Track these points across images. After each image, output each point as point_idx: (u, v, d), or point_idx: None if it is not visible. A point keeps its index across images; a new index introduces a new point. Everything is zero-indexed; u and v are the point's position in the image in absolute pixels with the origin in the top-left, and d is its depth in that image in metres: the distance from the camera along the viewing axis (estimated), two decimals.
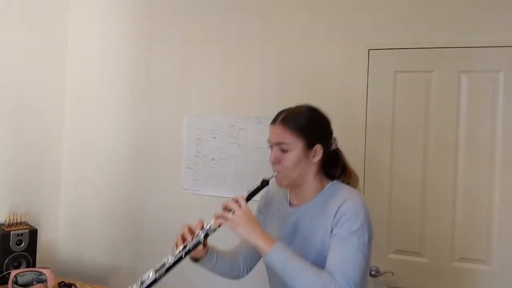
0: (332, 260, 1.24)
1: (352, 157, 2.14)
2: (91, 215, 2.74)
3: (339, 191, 1.35)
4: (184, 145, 2.51)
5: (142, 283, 1.27)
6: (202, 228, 1.32)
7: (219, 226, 1.29)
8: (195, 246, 1.30)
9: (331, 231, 1.28)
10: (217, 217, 1.28)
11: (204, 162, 2.46)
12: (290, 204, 1.44)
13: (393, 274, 2.09)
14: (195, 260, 1.41)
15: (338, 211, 1.28)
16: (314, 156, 1.35)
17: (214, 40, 2.45)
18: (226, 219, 1.26)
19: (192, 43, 2.51)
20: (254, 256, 1.53)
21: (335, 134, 2.20)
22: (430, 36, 2.06)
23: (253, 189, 1.36)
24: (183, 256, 1.29)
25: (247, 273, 1.56)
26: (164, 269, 1.28)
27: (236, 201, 1.28)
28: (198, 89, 2.49)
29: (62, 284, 2.24)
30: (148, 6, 2.63)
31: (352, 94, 2.17)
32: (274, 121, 1.38)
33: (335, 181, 1.40)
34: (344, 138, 2.15)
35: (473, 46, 2.00)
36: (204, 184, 2.45)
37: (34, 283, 2.13)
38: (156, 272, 1.27)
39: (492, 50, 1.97)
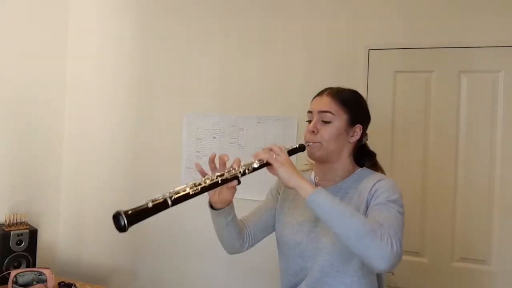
0: (374, 218, 1.17)
1: None
2: (91, 215, 2.74)
3: (371, 175, 1.34)
4: (184, 145, 2.51)
5: (176, 192, 1.17)
6: (239, 165, 1.23)
7: (260, 166, 1.21)
8: (232, 178, 1.21)
9: (367, 207, 1.24)
10: (259, 156, 1.21)
11: (204, 162, 2.44)
12: (316, 185, 1.37)
13: (393, 274, 2.08)
14: (214, 208, 1.34)
15: (374, 187, 1.26)
16: (352, 136, 1.35)
17: (214, 40, 2.45)
18: (271, 158, 1.19)
19: (192, 43, 2.51)
20: (261, 233, 1.48)
21: None
22: (430, 36, 2.06)
23: (290, 148, 1.30)
24: (219, 182, 1.19)
25: (248, 247, 1.47)
26: (200, 188, 1.17)
27: (279, 146, 1.23)
28: (198, 89, 2.49)
29: (62, 284, 2.24)
30: (148, 6, 2.63)
31: None
32: (321, 93, 1.38)
33: (364, 168, 1.40)
34: None
35: (473, 46, 2.00)
36: None
37: (34, 283, 2.13)
38: (191, 188, 1.16)
39: (492, 50, 1.97)
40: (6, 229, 2.28)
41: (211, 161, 1.31)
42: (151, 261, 2.58)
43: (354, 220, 1.10)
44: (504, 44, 1.95)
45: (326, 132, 1.31)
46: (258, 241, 1.49)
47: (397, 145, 2.12)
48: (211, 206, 1.35)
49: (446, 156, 2.04)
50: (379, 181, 1.29)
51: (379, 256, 1.07)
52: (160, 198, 1.13)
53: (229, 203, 1.34)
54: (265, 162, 1.21)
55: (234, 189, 1.29)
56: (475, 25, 2.00)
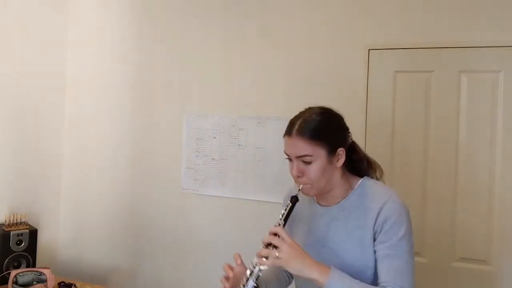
0: (386, 274, 1.20)
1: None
2: (91, 215, 2.74)
3: (374, 190, 1.31)
4: (184, 145, 2.51)
5: None
6: (251, 271, 1.23)
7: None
8: None
9: (374, 237, 1.24)
10: (262, 257, 1.20)
11: (204, 162, 2.46)
12: (319, 204, 1.39)
13: None
14: None
15: (379, 215, 1.24)
16: (337, 160, 1.30)
17: (214, 40, 2.46)
18: (275, 260, 1.18)
19: (192, 43, 2.51)
20: None
21: None
22: (430, 36, 2.06)
23: (286, 212, 1.28)
24: None
25: (293, 279, 1.49)
26: None
27: (275, 234, 1.21)
28: (198, 89, 2.49)
29: (62, 284, 2.24)
30: (148, 5, 2.63)
31: (352, 94, 2.17)
32: (289, 133, 1.30)
33: (364, 178, 1.36)
34: None
35: (473, 46, 2.00)
36: (204, 184, 2.45)
37: (34, 283, 2.13)
38: None
39: (492, 50, 1.97)
40: (6, 229, 2.28)
41: (224, 284, 1.30)
42: (151, 261, 2.58)
43: None
44: (504, 44, 1.95)
45: (311, 172, 1.27)
46: None
47: (397, 145, 2.12)
48: None
49: (446, 156, 2.04)
50: (385, 203, 1.25)
51: None
52: None
53: None
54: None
55: None
56: (475, 25, 2.00)
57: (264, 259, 1.19)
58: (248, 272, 1.23)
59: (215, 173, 2.43)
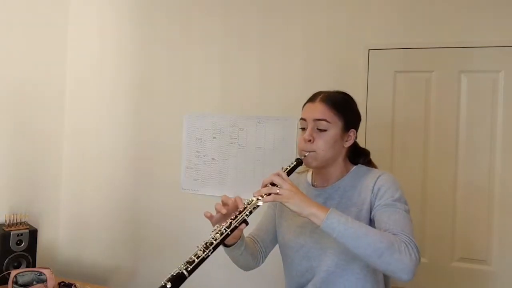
0: (385, 224, 1.19)
1: None
2: (91, 215, 2.74)
3: (368, 172, 1.36)
4: (184, 145, 2.51)
5: (190, 262, 1.16)
6: (245, 206, 1.22)
7: (263, 202, 1.21)
8: (241, 223, 1.21)
9: (371, 208, 1.27)
10: (263, 194, 1.19)
11: (204, 162, 2.46)
12: (314, 186, 1.42)
13: None
14: (225, 245, 1.33)
15: (375, 185, 1.28)
16: (347, 140, 1.35)
17: (214, 40, 2.46)
18: (276, 196, 1.18)
19: (192, 43, 2.51)
20: (271, 244, 1.51)
21: None
22: (430, 36, 2.06)
23: (289, 168, 1.29)
24: (229, 233, 1.20)
25: (263, 261, 1.51)
26: (212, 247, 1.18)
27: (278, 175, 1.21)
28: (198, 89, 2.49)
29: (62, 284, 2.24)
30: (148, 5, 2.63)
31: (352, 94, 2.15)
32: (313, 99, 1.35)
33: (359, 165, 1.41)
34: None
35: (473, 46, 2.00)
36: (204, 184, 2.45)
37: (34, 283, 2.13)
38: (204, 251, 1.17)
39: (492, 50, 1.97)
40: (6, 229, 2.28)
41: (219, 211, 1.28)
42: (151, 261, 2.58)
43: (370, 239, 1.11)
44: (504, 44, 1.95)
45: (322, 141, 1.29)
46: (270, 252, 1.52)
47: (397, 145, 2.12)
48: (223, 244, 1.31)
49: (446, 156, 2.04)
50: (379, 177, 1.30)
51: (401, 269, 1.10)
52: (177, 271, 1.16)
53: (240, 237, 1.33)
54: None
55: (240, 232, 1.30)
56: (475, 25, 2.00)
57: (264, 196, 1.19)
58: (243, 205, 1.22)
59: (215, 173, 2.43)
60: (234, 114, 2.40)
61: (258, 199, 1.20)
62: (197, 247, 1.18)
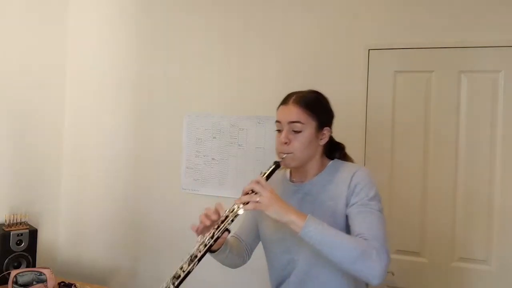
0: (360, 226, 1.25)
1: (352, 157, 2.16)
2: (91, 215, 2.74)
3: (344, 166, 1.41)
4: (184, 145, 2.51)
5: (176, 277, 1.22)
6: (226, 215, 1.28)
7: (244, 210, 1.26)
8: (223, 233, 1.28)
9: (346, 203, 1.31)
10: (243, 202, 1.25)
11: (204, 162, 2.46)
12: (292, 182, 1.46)
13: (393, 274, 2.08)
14: (210, 251, 1.37)
15: (352, 181, 1.32)
16: (322, 139, 1.39)
17: (214, 40, 2.45)
18: (256, 204, 1.23)
19: (192, 42, 2.51)
20: (255, 241, 1.57)
21: (335, 134, 2.21)
22: (430, 36, 2.06)
23: (268, 172, 1.33)
24: (212, 244, 1.26)
25: (249, 258, 1.58)
26: (197, 259, 1.25)
27: (258, 182, 1.25)
28: (198, 89, 2.49)
29: (62, 284, 2.24)
30: (148, 5, 2.63)
31: (352, 94, 2.17)
32: (286, 101, 1.39)
33: (335, 160, 1.45)
34: (344, 138, 2.17)
35: (473, 46, 2.00)
36: (204, 184, 2.45)
37: (34, 283, 2.13)
38: (189, 264, 1.23)
39: (492, 50, 1.97)
40: (6, 229, 2.28)
41: (203, 221, 1.32)
42: (151, 261, 2.58)
43: (344, 247, 1.18)
44: (504, 44, 1.95)
45: (298, 142, 1.34)
46: (255, 248, 1.58)
47: (397, 145, 2.12)
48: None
49: (446, 156, 2.04)
50: (355, 173, 1.34)
51: (372, 275, 1.18)
52: (164, 286, 1.23)
53: (222, 244, 1.39)
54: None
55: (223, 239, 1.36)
56: (475, 25, 2.00)
57: (244, 204, 1.24)
58: (224, 215, 1.28)
59: (215, 173, 2.43)
60: (234, 114, 2.40)
61: (239, 207, 1.26)
62: (182, 260, 1.24)
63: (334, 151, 1.48)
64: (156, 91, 2.59)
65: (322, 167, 1.42)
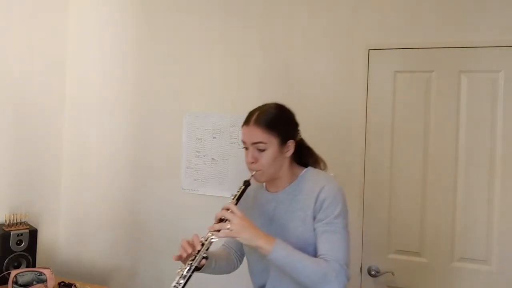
0: (324, 246, 1.35)
1: (352, 157, 2.17)
2: (91, 215, 2.74)
3: (315, 177, 1.48)
4: (184, 145, 2.51)
5: None
6: (202, 243, 1.36)
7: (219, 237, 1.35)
8: (200, 262, 1.36)
9: (314, 217, 1.40)
10: (215, 230, 1.33)
11: (204, 162, 2.46)
12: (268, 191, 1.55)
13: (393, 274, 2.09)
14: (196, 269, 1.45)
15: (319, 197, 1.39)
16: (287, 151, 1.46)
17: (214, 40, 2.45)
18: (227, 231, 1.31)
19: (192, 43, 2.51)
20: (242, 246, 1.64)
21: (335, 134, 2.22)
22: (430, 36, 2.06)
23: (238, 193, 1.43)
24: (191, 274, 1.34)
25: (241, 263, 1.69)
26: None
27: (228, 209, 1.34)
28: (198, 89, 2.49)
29: (62, 284, 2.24)
30: (148, 5, 2.63)
31: (352, 94, 2.17)
32: (247, 122, 1.45)
33: (309, 167, 1.52)
34: (344, 138, 2.18)
35: (473, 46, 2.00)
36: (204, 184, 2.45)
37: (34, 283, 2.13)
38: None
39: (492, 50, 1.97)
40: (6, 229, 2.28)
41: (181, 252, 1.40)
42: (151, 261, 2.58)
43: (306, 272, 1.29)
44: (504, 44, 1.95)
45: (264, 159, 1.42)
46: (245, 255, 1.65)
47: (397, 145, 2.12)
48: None
49: (446, 156, 2.04)
50: (323, 188, 1.40)
51: None
52: None
53: (206, 261, 1.46)
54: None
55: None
56: (475, 25, 2.00)
57: (217, 232, 1.32)
58: (200, 244, 1.37)
59: (215, 173, 2.43)
60: (234, 114, 2.40)
61: (212, 234, 1.35)
62: None
63: (305, 156, 1.54)
64: (156, 91, 2.59)
65: (294, 176, 1.50)
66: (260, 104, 2.27)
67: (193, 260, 1.34)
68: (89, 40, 2.77)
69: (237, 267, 1.68)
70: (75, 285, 2.23)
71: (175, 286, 1.32)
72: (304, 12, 2.27)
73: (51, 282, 2.14)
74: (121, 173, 2.67)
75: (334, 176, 2.15)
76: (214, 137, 2.44)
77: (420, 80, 2.09)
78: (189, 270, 1.33)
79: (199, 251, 1.35)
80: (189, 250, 1.37)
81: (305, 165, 1.53)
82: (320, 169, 1.55)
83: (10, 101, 2.45)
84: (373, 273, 2.11)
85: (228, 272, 1.66)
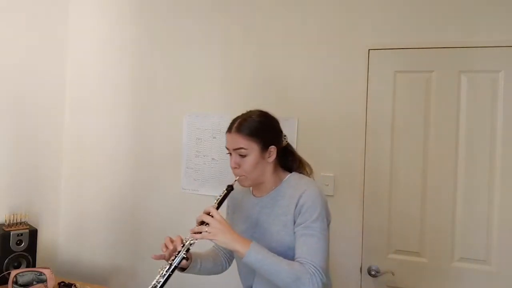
0: (300, 249, 1.38)
1: (352, 157, 2.17)
2: (91, 215, 2.74)
3: (297, 181, 1.51)
4: (184, 145, 2.51)
5: None
6: (183, 244, 1.42)
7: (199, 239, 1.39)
8: (180, 262, 1.41)
9: (294, 221, 1.43)
10: (195, 232, 1.37)
11: (204, 162, 2.46)
12: (254, 195, 1.60)
13: (393, 274, 2.09)
14: (181, 269, 1.53)
15: (299, 202, 1.43)
16: (269, 156, 1.50)
17: (214, 40, 2.46)
18: (204, 234, 1.35)
19: (192, 43, 2.51)
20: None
21: (335, 134, 2.22)
22: (430, 36, 2.06)
23: (221, 197, 1.49)
24: (171, 274, 1.40)
25: (230, 265, 1.73)
26: None
27: (208, 213, 1.39)
28: (198, 89, 2.49)
29: (62, 284, 2.24)
30: (148, 6, 2.63)
31: (352, 94, 2.17)
32: (229, 130, 1.51)
33: (293, 173, 1.56)
34: (344, 138, 2.18)
35: (473, 46, 2.00)
36: (204, 184, 2.45)
37: (34, 283, 2.13)
38: None
39: (492, 50, 1.97)
40: (6, 229, 2.28)
41: (163, 247, 1.49)
42: (151, 261, 2.56)
43: (280, 275, 1.32)
44: (504, 44, 1.95)
45: (246, 165, 1.47)
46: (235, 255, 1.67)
47: (397, 145, 2.12)
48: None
49: (446, 156, 2.04)
50: (303, 193, 1.43)
51: None
52: None
53: (190, 261, 1.54)
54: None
55: (187, 260, 1.52)
56: (475, 25, 2.00)
57: (196, 234, 1.37)
58: (181, 245, 1.42)
59: (215, 173, 2.43)
60: (234, 114, 2.39)
61: (190, 240, 1.41)
62: None
63: (289, 161, 1.58)
64: (156, 91, 2.59)
65: (278, 181, 1.54)
66: (259, 105, 2.28)
67: (173, 260, 1.40)
68: (89, 41, 2.77)
69: (226, 268, 1.72)
70: (75, 285, 2.23)
71: (154, 284, 1.38)
72: (304, 12, 2.27)
73: (51, 282, 2.14)
74: (121, 174, 2.67)
75: (334, 177, 2.18)
76: (214, 137, 2.44)
77: (420, 80, 2.09)
78: (168, 269, 1.39)
79: (179, 251, 1.41)
80: (170, 247, 1.44)
81: (290, 170, 1.57)
82: (306, 174, 1.58)
83: (10, 101, 2.45)
84: (373, 273, 2.11)
85: (217, 273, 1.70)
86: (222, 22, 2.44)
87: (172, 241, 1.46)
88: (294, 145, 2.23)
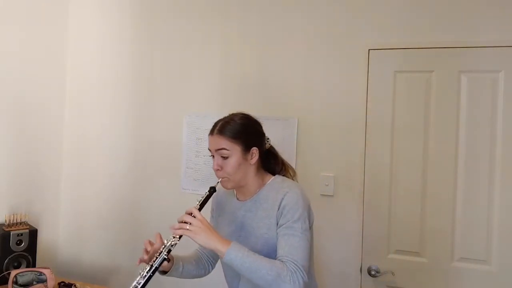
0: (282, 249, 1.39)
1: (352, 157, 2.17)
2: (91, 215, 2.74)
3: (280, 185, 1.51)
4: (184, 145, 2.51)
5: None
6: (164, 245, 1.43)
7: (179, 239, 1.41)
8: (161, 263, 1.42)
9: (276, 222, 1.44)
10: (176, 230, 1.38)
11: (204, 162, 2.46)
12: (238, 199, 1.60)
13: (393, 274, 2.09)
14: (163, 272, 1.53)
15: (281, 204, 1.44)
16: (251, 158, 1.50)
17: (214, 40, 2.46)
18: (185, 231, 1.36)
19: (192, 43, 2.51)
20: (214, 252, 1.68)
21: (335, 134, 2.22)
22: (430, 36, 2.06)
23: (203, 199, 1.49)
24: (152, 275, 1.40)
25: (213, 268, 1.73)
26: None
27: (190, 213, 1.40)
28: (198, 89, 2.49)
29: (62, 284, 2.24)
30: (148, 6, 2.63)
31: (352, 94, 2.17)
32: (212, 132, 1.53)
33: (276, 176, 1.57)
34: (344, 138, 2.18)
35: (473, 46, 2.00)
36: (204, 184, 2.45)
37: (34, 283, 2.13)
38: None
39: (492, 50, 1.97)
40: (6, 229, 2.28)
41: (145, 252, 1.50)
42: None
43: (261, 273, 1.32)
44: (504, 44, 1.95)
45: (228, 167, 1.48)
46: (218, 259, 1.68)
47: (397, 145, 2.12)
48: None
49: (446, 156, 2.04)
50: (285, 195, 1.44)
51: None
52: None
53: (172, 264, 1.54)
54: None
55: (169, 262, 1.51)
56: (475, 25, 2.00)
57: (177, 230, 1.38)
58: (163, 246, 1.43)
59: (215, 173, 2.42)
60: None
61: (174, 237, 1.41)
62: None
63: (272, 164, 1.59)
64: (156, 91, 2.59)
65: (262, 183, 1.55)
66: (259, 105, 2.30)
67: (154, 261, 1.41)
68: (89, 41, 2.77)
69: (209, 271, 1.72)
70: (75, 285, 2.23)
71: (135, 285, 1.40)
72: (304, 12, 2.27)
73: (51, 282, 2.14)
74: (121, 174, 2.67)
75: (334, 177, 2.18)
76: None
77: (420, 80, 2.09)
78: (149, 270, 1.40)
79: (160, 252, 1.41)
80: (148, 248, 1.46)
81: (273, 173, 1.58)
82: (290, 176, 1.59)
83: (10, 101, 2.45)
84: (373, 273, 2.11)
85: (199, 276, 1.69)
86: (222, 22, 2.44)
87: (152, 244, 1.47)
88: (294, 145, 2.24)
